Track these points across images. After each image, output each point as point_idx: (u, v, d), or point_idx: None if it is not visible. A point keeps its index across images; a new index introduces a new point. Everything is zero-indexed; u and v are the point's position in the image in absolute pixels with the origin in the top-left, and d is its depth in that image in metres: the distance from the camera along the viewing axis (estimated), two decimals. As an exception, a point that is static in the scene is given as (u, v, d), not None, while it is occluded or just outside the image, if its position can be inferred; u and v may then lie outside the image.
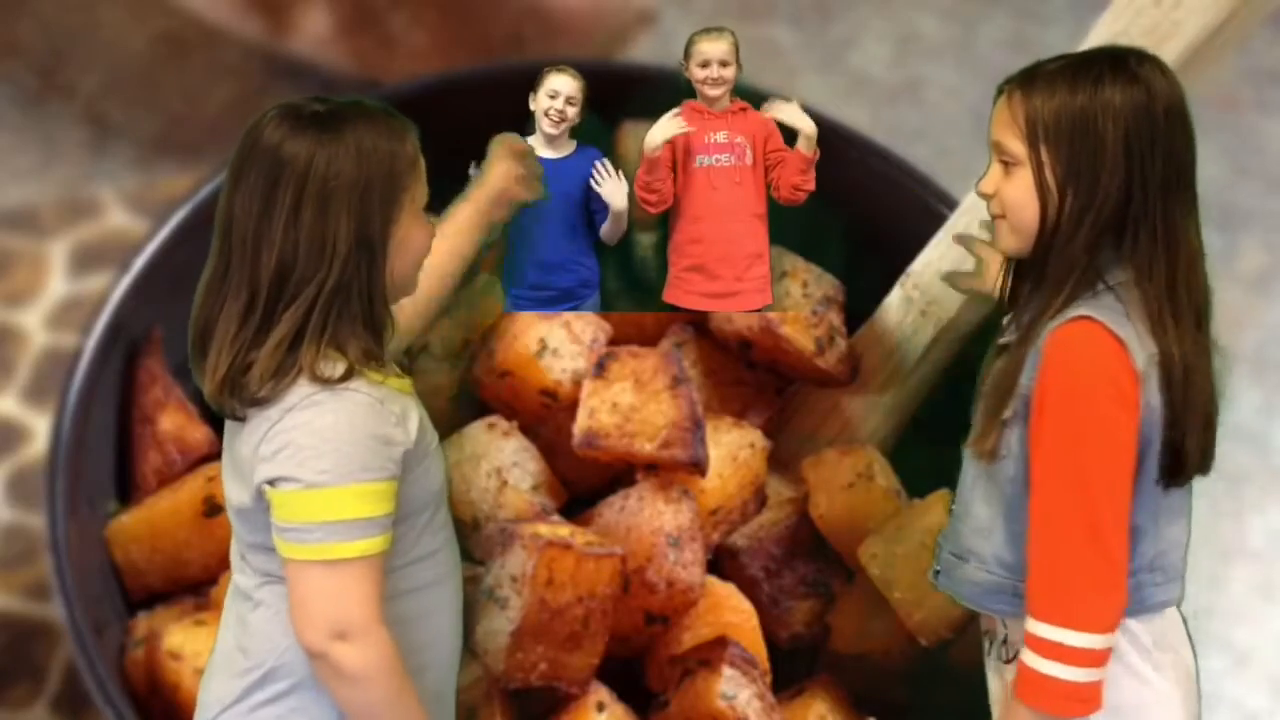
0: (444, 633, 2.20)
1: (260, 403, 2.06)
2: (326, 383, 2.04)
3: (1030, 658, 2.09)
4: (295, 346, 2.05)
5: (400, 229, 2.09)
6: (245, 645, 2.13)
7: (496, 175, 2.41)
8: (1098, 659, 2.08)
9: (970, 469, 2.18)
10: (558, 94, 2.41)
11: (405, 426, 2.09)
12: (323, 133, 2.06)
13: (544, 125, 2.42)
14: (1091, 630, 2.07)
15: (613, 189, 2.43)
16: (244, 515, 2.12)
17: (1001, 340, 2.16)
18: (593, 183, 2.43)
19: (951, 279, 2.54)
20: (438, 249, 2.28)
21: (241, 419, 2.10)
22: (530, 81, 2.44)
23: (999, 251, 2.20)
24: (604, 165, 2.44)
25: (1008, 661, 2.20)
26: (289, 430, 2.03)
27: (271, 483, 2.04)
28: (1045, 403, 2.07)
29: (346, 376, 2.05)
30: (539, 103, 2.41)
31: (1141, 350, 2.07)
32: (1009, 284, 2.23)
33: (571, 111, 2.41)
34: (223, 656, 2.17)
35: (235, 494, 2.13)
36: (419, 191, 2.12)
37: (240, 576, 2.17)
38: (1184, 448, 2.11)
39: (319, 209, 2.04)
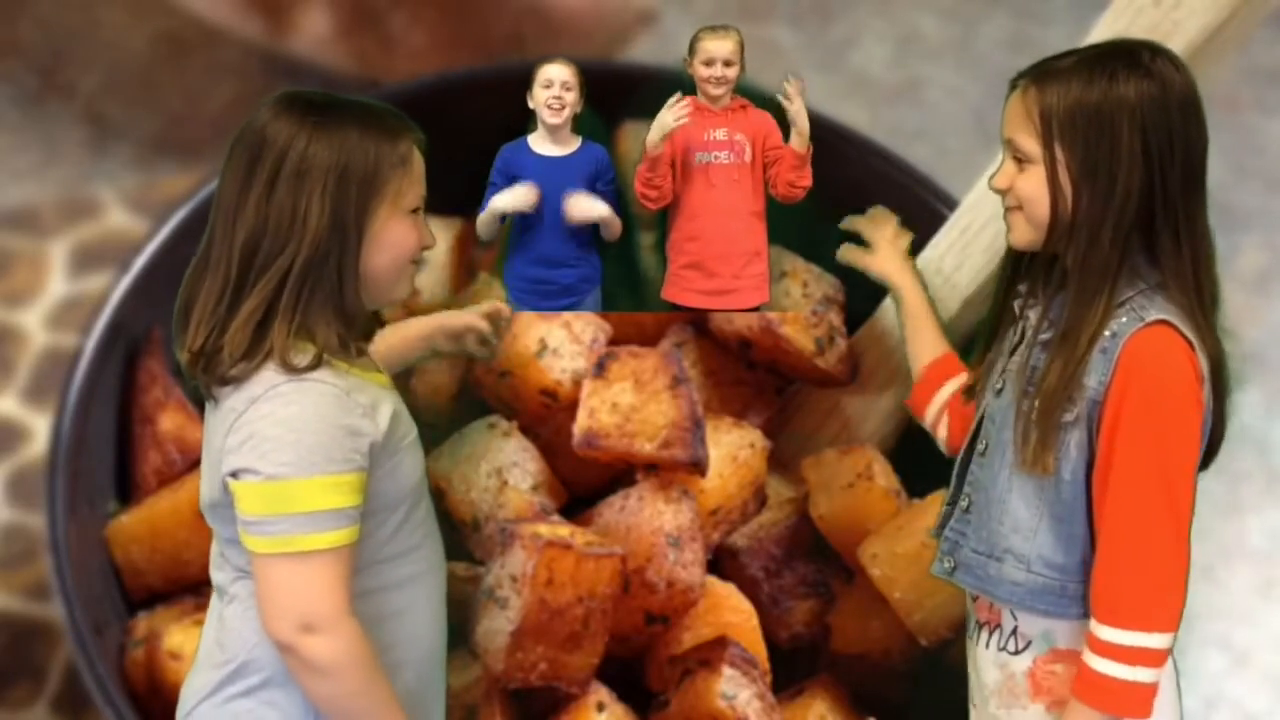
0: (422, 630, 2.20)
1: (231, 382, 2.07)
2: (294, 370, 2.05)
3: (1107, 665, 2.09)
4: (265, 325, 2.06)
5: (378, 221, 2.09)
6: (221, 640, 2.15)
7: (466, 320, 2.45)
8: (1167, 657, 2.11)
9: (1004, 467, 2.18)
10: (552, 82, 2.40)
11: (374, 418, 2.09)
12: (309, 117, 2.09)
13: (546, 117, 2.40)
14: (1169, 630, 2.09)
15: (585, 206, 2.42)
16: (215, 510, 2.13)
17: (1043, 336, 2.15)
18: (567, 211, 2.42)
19: (844, 254, 2.57)
20: (380, 341, 2.30)
21: (214, 399, 2.10)
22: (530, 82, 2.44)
23: (1011, 244, 2.20)
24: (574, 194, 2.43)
25: (1016, 653, 2.20)
26: (253, 421, 2.04)
27: (235, 474, 2.05)
28: (1128, 409, 2.07)
29: (314, 365, 2.05)
30: (536, 97, 2.40)
31: (1203, 353, 2.10)
32: (1009, 275, 2.25)
33: (570, 97, 2.40)
34: (203, 651, 2.19)
35: (207, 489, 2.13)
36: (408, 192, 2.12)
37: (217, 573, 2.17)
38: (1215, 437, 2.16)
39: (292, 186, 2.06)
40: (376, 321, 2.23)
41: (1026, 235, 2.16)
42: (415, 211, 2.15)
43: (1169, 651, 2.11)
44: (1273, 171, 4.00)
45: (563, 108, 2.39)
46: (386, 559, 2.14)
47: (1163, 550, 2.08)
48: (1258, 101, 4.10)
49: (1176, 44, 2.50)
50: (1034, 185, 2.12)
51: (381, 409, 2.11)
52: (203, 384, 2.11)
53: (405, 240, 2.13)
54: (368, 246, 2.09)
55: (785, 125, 2.42)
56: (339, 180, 2.06)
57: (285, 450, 2.02)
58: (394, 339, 2.41)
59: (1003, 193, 2.17)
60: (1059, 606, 2.16)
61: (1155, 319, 2.08)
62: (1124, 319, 2.09)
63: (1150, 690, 2.10)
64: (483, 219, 2.41)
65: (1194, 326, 2.09)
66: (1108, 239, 2.08)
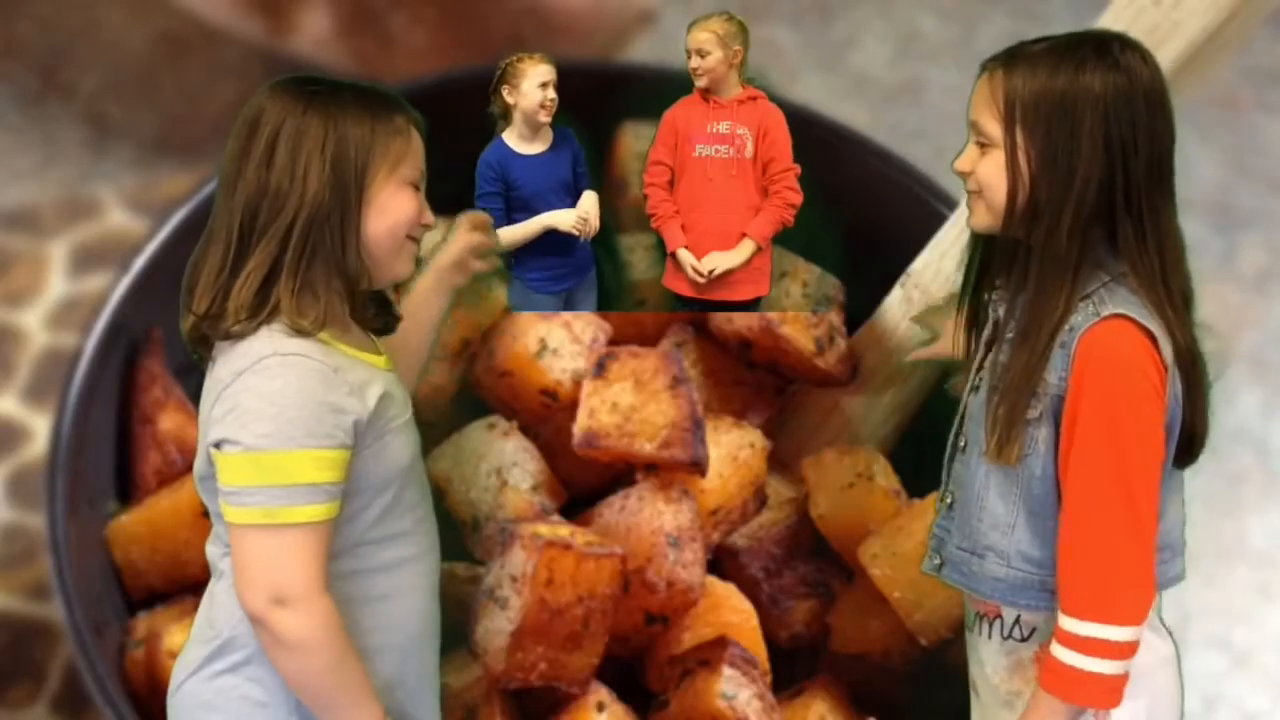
0: (407, 618, 2.18)
1: (233, 337, 2.07)
2: (298, 329, 2.06)
3: (1068, 655, 2.09)
4: (269, 284, 2.08)
5: (377, 183, 2.11)
6: (211, 616, 2.15)
7: (456, 245, 2.40)
8: (1134, 649, 2.10)
9: (980, 464, 2.18)
10: (547, 83, 2.40)
11: (362, 396, 2.09)
12: (306, 88, 2.11)
13: (540, 117, 2.41)
14: (1132, 623, 2.08)
15: (559, 219, 2.44)
16: (204, 482, 2.13)
17: (1009, 335, 2.15)
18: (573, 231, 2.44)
19: (917, 356, 2.59)
20: (406, 326, 2.30)
21: (211, 360, 2.11)
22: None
23: (970, 228, 2.20)
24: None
25: (1023, 640, 2.20)
26: (238, 393, 2.04)
27: (218, 445, 2.05)
28: (1084, 403, 2.07)
29: (316, 329, 2.07)
30: (527, 96, 2.40)
31: (1167, 344, 2.08)
32: (977, 268, 2.24)
33: (555, 95, 2.42)
34: (196, 627, 2.20)
35: (199, 461, 2.14)
36: (406, 162, 2.13)
37: (211, 548, 2.18)
38: (1196, 430, 2.14)
39: (291, 148, 2.08)
40: (392, 315, 2.24)
41: (984, 220, 2.15)
42: (415, 188, 2.16)
43: (1135, 644, 2.09)
44: (1273, 171, 4.00)
45: (554, 107, 2.41)
46: (372, 541, 2.13)
47: (1120, 544, 2.07)
48: (1258, 101, 4.10)
49: (1176, 44, 2.50)
50: (993, 170, 2.11)
51: (371, 388, 2.10)
52: (203, 347, 2.12)
53: (405, 208, 2.14)
54: (367, 210, 2.11)
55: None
56: (338, 141, 2.09)
57: (266, 422, 2.02)
58: (419, 311, 2.38)
59: (964, 176, 2.16)
60: (1041, 600, 2.16)
61: (1111, 313, 2.07)
62: (1082, 314, 2.08)
63: (1115, 681, 2.10)
64: (520, 231, 2.41)
65: (1161, 320, 2.08)
66: (1066, 229, 2.07)
